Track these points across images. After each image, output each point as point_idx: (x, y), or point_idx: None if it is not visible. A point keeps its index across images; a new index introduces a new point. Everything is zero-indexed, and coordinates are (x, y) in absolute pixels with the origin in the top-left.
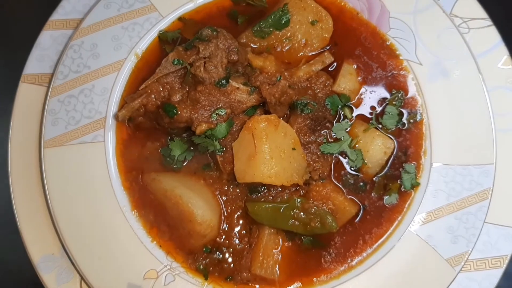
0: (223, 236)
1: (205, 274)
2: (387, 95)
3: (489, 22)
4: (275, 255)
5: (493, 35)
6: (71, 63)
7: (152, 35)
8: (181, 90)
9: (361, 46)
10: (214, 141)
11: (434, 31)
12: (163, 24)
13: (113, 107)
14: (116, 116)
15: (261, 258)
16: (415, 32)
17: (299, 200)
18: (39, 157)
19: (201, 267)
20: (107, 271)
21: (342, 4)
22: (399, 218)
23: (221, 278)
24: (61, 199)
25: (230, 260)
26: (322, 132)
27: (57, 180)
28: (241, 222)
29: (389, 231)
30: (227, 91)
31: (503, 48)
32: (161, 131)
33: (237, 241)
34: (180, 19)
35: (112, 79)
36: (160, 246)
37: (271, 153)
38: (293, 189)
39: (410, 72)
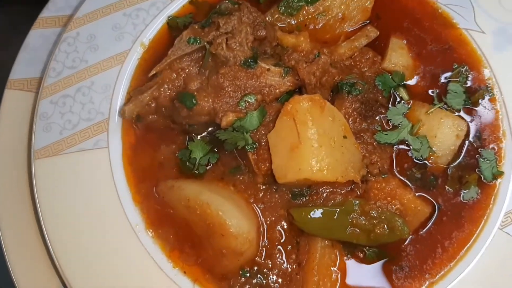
0: (264, 254)
1: None
2: (448, 71)
3: None
4: (333, 274)
5: None
6: (65, 58)
7: (160, 21)
8: (199, 76)
9: (408, 18)
10: (245, 133)
11: None
12: (172, 9)
13: (117, 106)
14: (122, 112)
15: (316, 279)
16: None
17: (357, 201)
18: (28, 171)
19: None
20: None
21: None
22: (484, 217)
23: None
24: (57, 222)
25: (275, 285)
26: (375, 119)
27: (52, 198)
28: (284, 235)
29: (475, 234)
30: (255, 73)
31: None
32: (177, 131)
33: (282, 260)
34: (191, 2)
35: (115, 73)
36: (185, 272)
37: (319, 140)
38: (347, 189)
39: (472, 42)
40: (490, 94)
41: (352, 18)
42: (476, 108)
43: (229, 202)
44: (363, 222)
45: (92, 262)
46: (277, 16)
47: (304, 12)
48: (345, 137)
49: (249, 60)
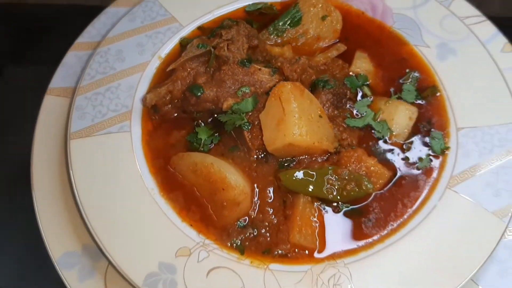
0: (256, 210)
1: (241, 250)
2: (403, 76)
3: (483, 18)
4: (313, 223)
5: (489, 27)
6: (98, 66)
7: (174, 41)
8: (205, 74)
9: (370, 38)
10: (241, 114)
11: (436, 19)
12: (184, 33)
13: (139, 102)
14: (143, 99)
15: (298, 227)
16: (418, 22)
17: (331, 167)
18: (65, 149)
19: (236, 243)
20: (136, 252)
21: (347, 7)
22: (436, 179)
23: (258, 252)
24: (88, 188)
25: (266, 234)
26: (345, 107)
27: (84, 170)
28: (273, 195)
29: (427, 191)
30: (250, 71)
31: (501, 37)
32: (186, 120)
33: (271, 214)
34: (199, 28)
35: (137, 78)
36: (191, 225)
37: (300, 113)
38: (323, 158)
39: (420, 54)
40: (437, 92)
41: (325, 38)
42: (425, 102)
43: (229, 165)
44: (336, 181)
45: (114, 219)
46: (266, 36)
47: (288, 34)
48: (320, 116)
49: (245, 61)
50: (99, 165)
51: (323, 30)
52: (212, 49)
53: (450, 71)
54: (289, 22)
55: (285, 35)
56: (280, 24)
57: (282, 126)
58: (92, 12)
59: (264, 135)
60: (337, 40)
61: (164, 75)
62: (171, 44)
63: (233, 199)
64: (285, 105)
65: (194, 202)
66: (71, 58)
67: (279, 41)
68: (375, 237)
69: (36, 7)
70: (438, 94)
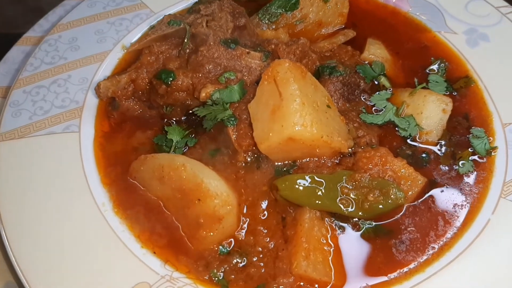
0: (245, 230)
1: (224, 285)
2: (427, 65)
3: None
4: (324, 247)
5: None
6: (45, 56)
7: (143, 30)
8: (178, 59)
9: (382, 25)
10: (225, 104)
11: (460, 4)
12: (155, 21)
13: (94, 98)
14: (96, 87)
15: (305, 253)
16: (440, 7)
17: (345, 172)
18: None
19: (218, 276)
20: None
21: None
22: (484, 187)
23: None
24: (16, 205)
25: (259, 263)
26: (359, 100)
27: (13, 181)
28: (269, 211)
29: (475, 203)
30: (235, 54)
31: None
32: (153, 119)
33: (266, 239)
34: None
35: (93, 69)
36: (154, 252)
37: (302, 98)
38: (335, 161)
39: (445, 42)
40: (472, 83)
41: (329, 23)
42: (458, 95)
43: (207, 167)
44: (353, 190)
45: (52, 248)
46: (257, 22)
47: (283, 19)
48: (328, 106)
49: (229, 41)
50: (34, 175)
51: (326, 14)
52: (187, 27)
53: (484, 59)
54: (283, 5)
55: (279, 20)
56: (273, 7)
57: (279, 115)
58: None
59: (255, 129)
60: (343, 26)
61: (128, 68)
62: (139, 32)
63: (212, 213)
64: (282, 88)
65: (160, 221)
66: (15, 54)
67: (272, 27)
68: (411, 265)
69: None
70: (472, 84)
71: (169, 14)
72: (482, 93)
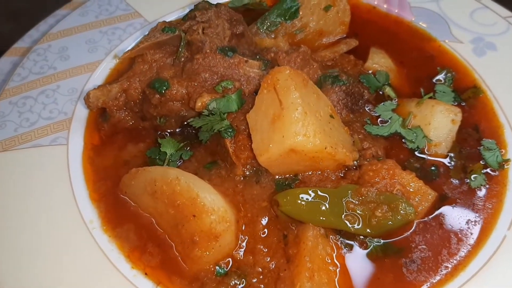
0: (243, 249)
1: None
2: (433, 75)
3: None
4: (330, 267)
5: None
6: (33, 65)
7: (136, 40)
8: (173, 67)
9: (386, 34)
10: (222, 115)
11: (465, 13)
12: (149, 29)
13: (83, 109)
14: (85, 97)
15: (309, 273)
16: (444, 16)
17: (350, 186)
18: None
19: None
20: None
21: (354, 0)
22: (498, 201)
23: None
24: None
25: (258, 285)
26: (363, 111)
27: None
28: (269, 229)
29: (489, 218)
30: (233, 62)
31: None
32: (146, 131)
33: (267, 258)
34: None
35: (84, 79)
36: (146, 273)
37: (304, 107)
38: (339, 174)
39: (451, 51)
40: (481, 93)
41: (330, 33)
42: (466, 105)
43: (203, 181)
44: (360, 205)
45: (35, 268)
46: (256, 32)
47: (282, 28)
48: (332, 116)
49: (226, 48)
50: (18, 190)
51: (327, 23)
52: (183, 34)
53: (492, 68)
54: (283, 13)
55: (278, 29)
56: (272, 16)
57: (279, 124)
58: None
59: (254, 140)
60: (344, 36)
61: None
62: (132, 42)
63: (208, 230)
64: (282, 97)
65: (152, 239)
66: (3, 65)
67: (272, 36)
68: (423, 287)
69: None
70: (481, 94)
71: (164, 21)
72: (492, 103)
